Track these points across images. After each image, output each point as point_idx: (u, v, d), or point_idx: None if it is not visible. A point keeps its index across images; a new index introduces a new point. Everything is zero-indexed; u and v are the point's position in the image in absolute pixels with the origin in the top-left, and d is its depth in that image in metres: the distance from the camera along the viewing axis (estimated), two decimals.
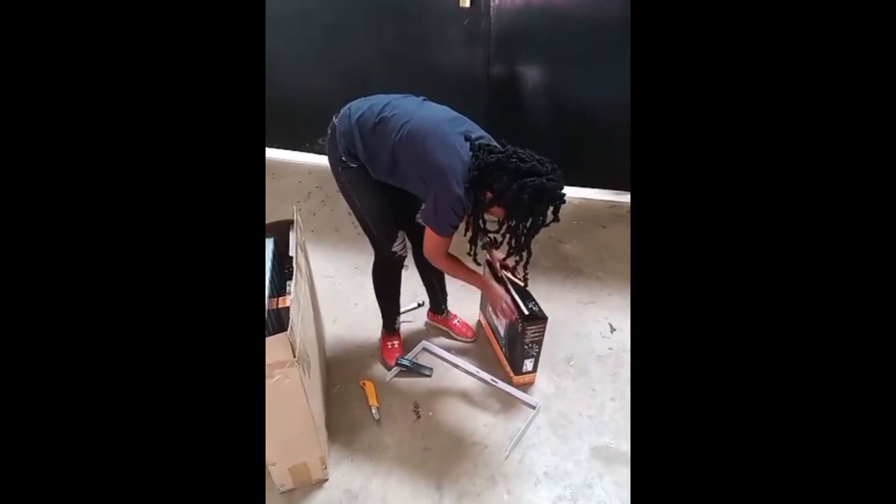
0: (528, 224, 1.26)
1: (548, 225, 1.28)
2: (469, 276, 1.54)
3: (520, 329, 1.59)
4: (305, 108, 2.78)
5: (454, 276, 1.53)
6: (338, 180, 1.48)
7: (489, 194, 1.27)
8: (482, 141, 1.31)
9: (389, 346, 1.81)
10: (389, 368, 1.77)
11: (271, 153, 3.07)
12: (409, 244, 1.63)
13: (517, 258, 1.36)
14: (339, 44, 2.64)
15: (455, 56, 2.50)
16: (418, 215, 1.38)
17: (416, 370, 1.75)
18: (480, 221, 1.35)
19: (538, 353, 1.67)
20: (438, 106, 1.41)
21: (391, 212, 1.50)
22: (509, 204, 1.24)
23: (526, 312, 1.58)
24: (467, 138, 1.29)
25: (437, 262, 1.48)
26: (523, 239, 1.29)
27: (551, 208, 1.26)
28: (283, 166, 3.03)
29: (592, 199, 2.72)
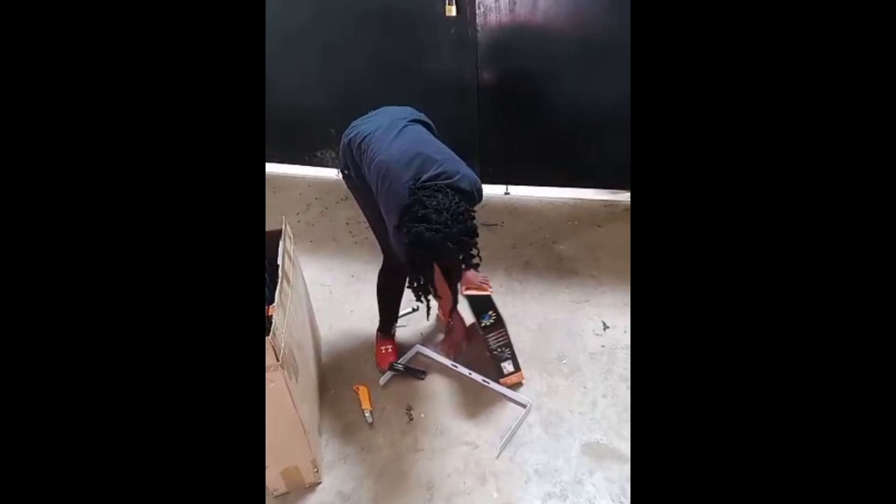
0: (415, 267, 1.35)
1: (472, 266, 1.36)
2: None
3: (481, 338, 1.70)
4: (303, 123, 2.89)
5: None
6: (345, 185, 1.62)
7: None
8: (430, 182, 1.31)
9: (383, 351, 1.84)
10: (383, 373, 1.79)
11: (272, 168, 3.13)
12: None
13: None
14: (332, 59, 2.69)
15: (445, 63, 2.53)
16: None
17: (409, 374, 1.78)
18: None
19: (512, 354, 1.72)
20: (409, 139, 1.43)
21: None
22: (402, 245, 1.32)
23: (481, 327, 1.69)
24: (416, 179, 1.31)
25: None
26: (423, 280, 1.38)
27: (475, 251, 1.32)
28: (284, 180, 3.09)
29: (588, 199, 2.72)
